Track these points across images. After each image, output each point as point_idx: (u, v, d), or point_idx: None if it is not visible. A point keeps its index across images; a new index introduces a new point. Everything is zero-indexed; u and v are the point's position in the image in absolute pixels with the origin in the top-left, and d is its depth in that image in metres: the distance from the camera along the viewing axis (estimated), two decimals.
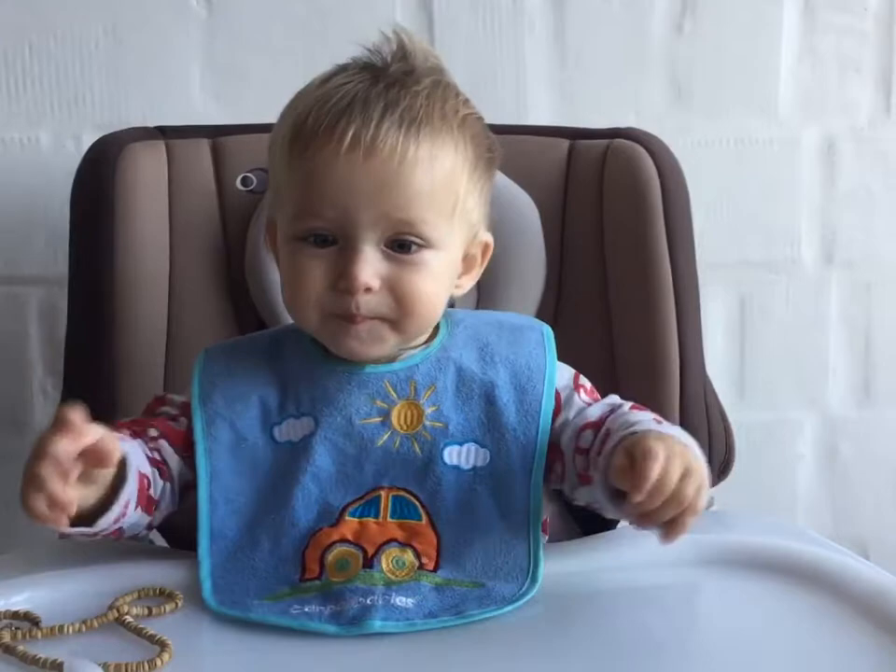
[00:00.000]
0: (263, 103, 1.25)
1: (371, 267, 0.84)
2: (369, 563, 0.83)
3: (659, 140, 1.14)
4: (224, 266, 1.12)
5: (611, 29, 1.32)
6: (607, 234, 1.12)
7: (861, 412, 1.42)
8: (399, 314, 0.85)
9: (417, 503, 0.86)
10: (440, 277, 0.87)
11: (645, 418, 0.87)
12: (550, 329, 0.94)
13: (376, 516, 0.85)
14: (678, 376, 1.07)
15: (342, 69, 0.88)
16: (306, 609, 0.79)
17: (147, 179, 1.10)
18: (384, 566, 0.82)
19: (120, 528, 0.84)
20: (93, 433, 0.75)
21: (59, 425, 0.74)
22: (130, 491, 0.82)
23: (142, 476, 0.84)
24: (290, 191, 0.86)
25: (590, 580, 0.84)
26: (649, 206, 1.09)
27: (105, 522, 0.81)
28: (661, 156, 1.12)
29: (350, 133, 0.82)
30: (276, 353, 0.92)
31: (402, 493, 0.86)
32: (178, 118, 1.20)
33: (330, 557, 0.83)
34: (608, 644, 0.77)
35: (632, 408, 0.91)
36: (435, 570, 0.83)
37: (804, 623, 0.80)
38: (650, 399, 1.04)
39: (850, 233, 1.38)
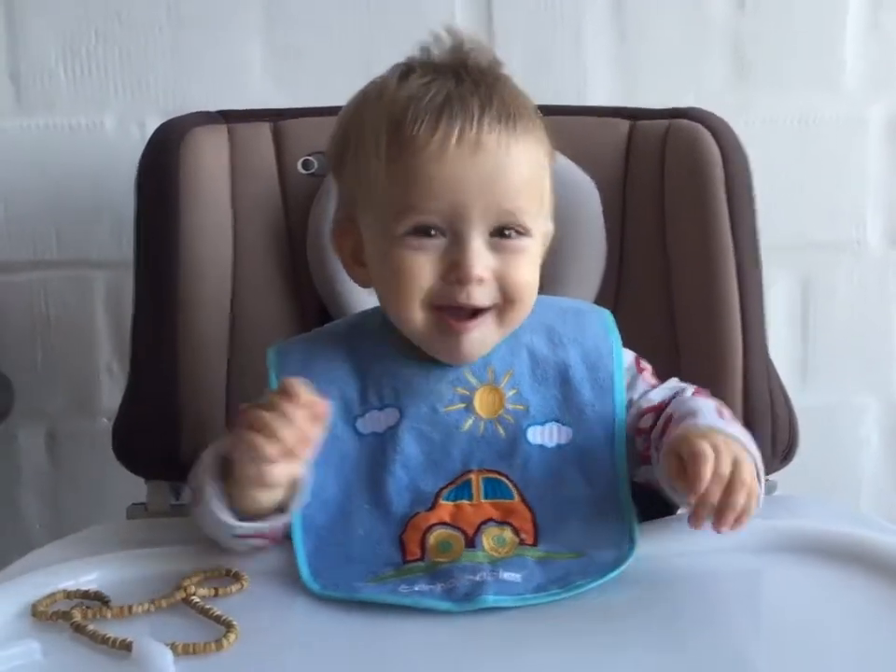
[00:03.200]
0: (323, 86, 1.28)
1: (482, 259, 0.86)
2: (471, 543, 0.85)
3: (721, 119, 1.12)
4: (286, 248, 1.13)
5: (672, 6, 1.30)
6: (668, 215, 1.11)
7: None
8: (503, 302, 0.87)
9: (508, 482, 0.89)
10: (536, 264, 0.90)
11: (707, 407, 0.88)
12: (610, 313, 0.96)
13: (470, 499, 0.88)
14: (740, 360, 1.06)
15: (409, 68, 0.89)
16: (416, 588, 0.81)
17: (209, 164, 1.11)
18: (485, 544, 0.85)
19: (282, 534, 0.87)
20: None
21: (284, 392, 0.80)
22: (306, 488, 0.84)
23: None
24: (390, 189, 0.86)
25: (665, 563, 0.85)
26: (711, 187, 1.08)
27: (281, 520, 0.84)
28: (723, 136, 1.10)
29: (456, 129, 0.84)
30: (351, 346, 0.93)
31: (492, 474, 0.89)
32: (239, 101, 1.20)
33: (432, 539, 0.86)
34: (686, 627, 0.78)
35: (694, 393, 0.93)
36: (535, 545, 0.86)
37: (868, 609, 0.80)
38: (712, 382, 1.04)
39: None
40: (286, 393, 0.80)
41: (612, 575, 0.81)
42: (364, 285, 0.94)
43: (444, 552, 0.85)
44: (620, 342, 0.94)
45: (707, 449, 0.79)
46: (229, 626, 0.76)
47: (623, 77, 1.31)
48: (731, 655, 0.75)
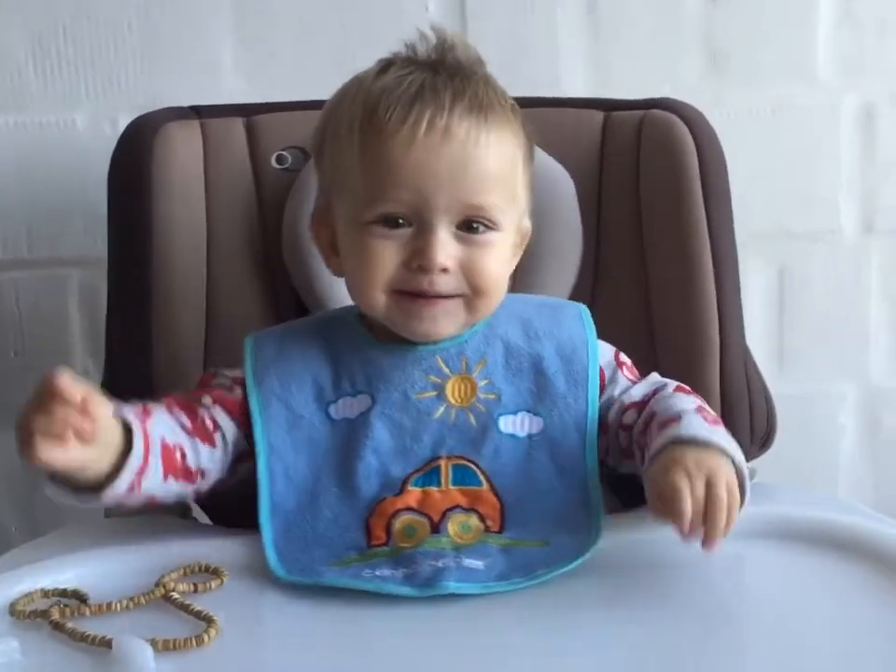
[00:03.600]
0: (295, 81, 1.27)
1: (446, 248, 0.86)
2: (436, 528, 0.86)
3: (695, 109, 1.12)
4: (260, 243, 1.13)
5: None
6: (643, 206, 1.11)
7: None
8: (472, 293, 0.88)
9: (477, 469, 0.89)
10: (504, 258, 0.91)
11: (688, 408, 0.88)
12: (587, 308, 0.97)
13: (438, 485, 0.88)
14: (718, 349, 1.06)
15: (389, 63, 0.90)
16: (378, 573, 0.81)
17: (182, 159, 1.10)
18: (450, 530, 0.86)
19: (150, 496, 0.85)
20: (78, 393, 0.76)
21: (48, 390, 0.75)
22: (135, 462, 0.81)
23: (168, 448, 0.85)
24: (361, 178, 0.88)
25: (639, 552, 0.85)
26: (686, 177, 1.08)
27: (114, 491, 0.81)
28: (697, 125, 1.10)
29: (426, 119, 0.85)
30: (326, 336, 0.94)
31: (461, 461, 0.89)
32: (212, 97, 1.20)
33: (397, 524, 0.86)
34: (656, 615, 0.78)
35: (675, 389, 0.94)
36: (500, 532, 0.86)
37: (848, 594, 0.80)
38: (690, 372, 1.05)
39: (891, 202, 1.36)
40: (47, 388, 0.75)
41: (574, 564, 0.82)
42: (338, 275, 0.95)
43: (409, 537, 0.85)
44: (595, 335, 0.95)
45: (681, 486, 0.78)
46: (209, 622, 0.75)
47: (597, 68, 1.31)
48: (704, 641, 0.75)
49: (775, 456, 1.11)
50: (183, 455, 0.87)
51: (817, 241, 1.36)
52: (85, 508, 0.83)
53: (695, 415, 0.87)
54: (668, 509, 0.79)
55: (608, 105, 1.16)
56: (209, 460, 0.89)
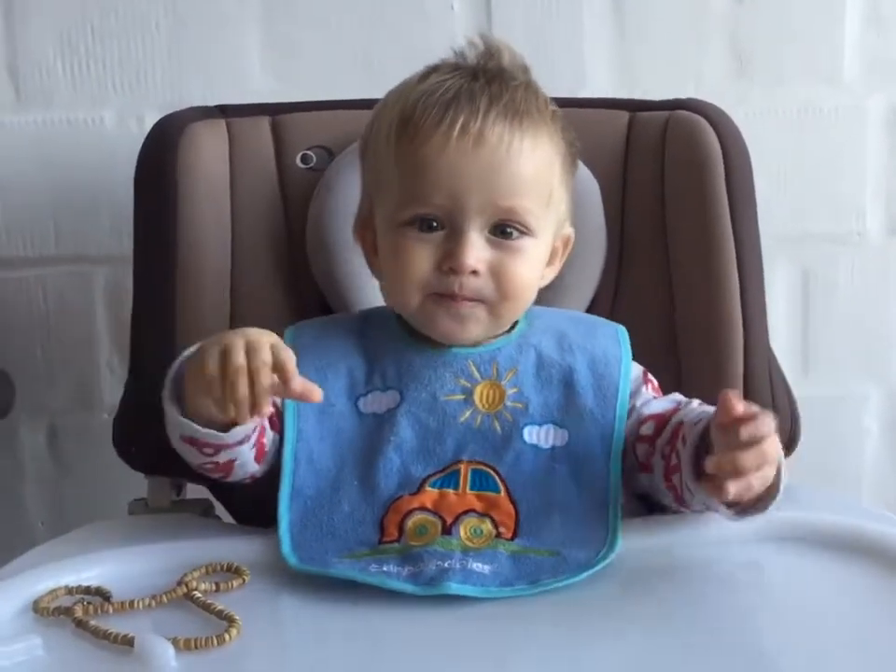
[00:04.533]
0: (321, 80, 1.28)
1: (476, 251, 0.87)
2: (447, 530, 0.86)
3: (720, 110, 1.12)
4: (285, 242, 1.13)
5: None
6: (668, 207, 1.11)
7: None
8: (497, 297, 0.89)
9: (496, 476, 0.89)
10: (536, 265, 0.92)
11: None
12: (624, 328, 0.97)
13: (455, 488, 0.88)
14: (742, 351, 1.06)
15: (434, 68, 0.91)
16: (384, 568, 0.81)
17: (208, 158, 1.10)
18: (462, 533, 0.85)
19: (234, 461, 0.87)
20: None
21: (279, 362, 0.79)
22: (256, 424, 0.85)
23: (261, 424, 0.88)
24: (396, 178, 0.89)
25: (661, 555, 0.85)
26: (711, 178, 1.08)
27: (235, 435, 0.84)
28: (723, 127, 1.10)
29: (459, 123, 0.86)
30: (363, 331, 0.95)
31: (482, 466, 0.89)
32: (238, 96, 1.20)
33: (410, 523, 0.86)
34: (674, 620, 0.77)
35: (701, 404, 0.93)
36: (512, 539, 0.86)
37: (871, 599, 0.80)
38: (713, 374, 1.05)
39: None
40: (280, 366, 0.79)
41: (582, 576, 0.81)
42: (380, 279, 0.96)
43: (420, 535, 0.85)
44: (630, 354, 0.95)
45: (760, 414, 0.77)
46: (231, 621, 0.76)
47: (622, 68, 1.30)
48: (721, 646, 0.75)
49: (798, 459, 1.10)
50: (262, 433, 0.89)
51: (841, 243, 1.35)
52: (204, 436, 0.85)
53: None
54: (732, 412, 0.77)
55: (633, 106, 1.15)
56: (273, 442, 0.91)
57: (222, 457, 0.88)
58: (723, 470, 0.77)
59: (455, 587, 0.79)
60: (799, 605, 0.80)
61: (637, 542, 0.85)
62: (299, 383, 0.79)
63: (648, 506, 0.93)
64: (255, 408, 0.79)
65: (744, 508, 0.82)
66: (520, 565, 0.82)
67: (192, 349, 0.86)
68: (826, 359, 1.38)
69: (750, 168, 1.10)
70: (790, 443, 1.09)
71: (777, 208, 1.25)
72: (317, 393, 0.80)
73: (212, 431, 0.84)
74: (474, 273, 0.87)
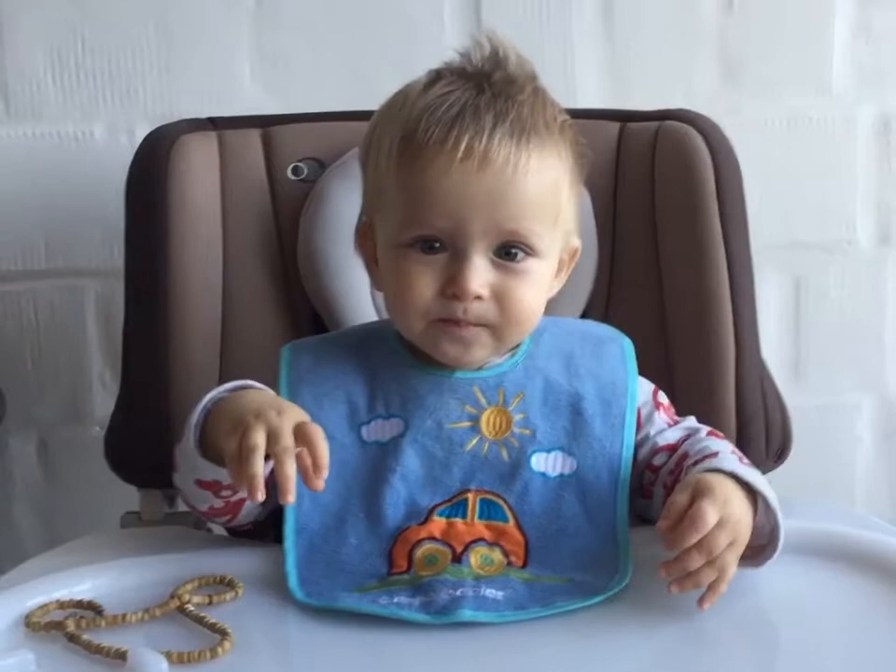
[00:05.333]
0: (311, 92, 1.28)
1: (480, 276, 0.85)
2: (457, 559, 0.84)
3: (710, 120, 1.12)
4: (276, 254, 1.13)
5: (660, 8, 1.30)
6: (659, 217, 1.11)
7: None
8: (502, 321, 0.87)
9: (504, 506, 0.87)
10: (541, 286, 0.89)
11: (723, 447, 0.88)
12: (630, 342, 0.95)
13: (464, 517, 0.86)
14: (733, 361, 1.06)
15: (438, 76, 0.88)
16: (395, 600, 0.79)
17: (199, 170, 1.10)
18: (472, 561, 0.83)
19: (245, 501, 0.86)
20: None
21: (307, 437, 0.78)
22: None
23: None
24: (398, 198, 0.86)
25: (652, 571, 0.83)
26: (701, 188, 1.08)
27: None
28: (713, 137, 1.10)
29: (464, 143, 0.83)
30: (363, 352, 0.93)
31: (490, 496, 0.87)
32: (229, 108, 1.20)
33: (419, 553, 0.84)
34: (671, 635, 0.78)
35: (709, 433, 0.93)
36: (523, 568, 0.84)
37: (864, 608, 0.80)
38: (705, 384, 1.05)
39: None
40: (315, 460, 0.78)
41: (596, 600, 0.80)
42: (380, 289, 0.94)
43: (430, 565, 0.83)
44: (636, 374, 0.93)
45: (706, 520, 0.76)
46: (224, 634, 0.75)
47: (612, 79, 1.31)
48: (717, 656, 0.75)
49: (791, 468, 1.10)
50: None
51: (833, 252, 1.36)
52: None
53: (731, 455, 0.86)
54: (679, 526, 0.77)
55: (623, 117, 1.15)
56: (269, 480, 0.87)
57: (235, 497, 0.87)
58: (674, 574, 0.78)
59: (469, 614, 0.77)
60: (793, 613, 0.80)
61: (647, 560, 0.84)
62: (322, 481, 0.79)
63: (646, 522, 0.92)
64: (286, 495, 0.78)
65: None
66: (534, 590, 0.81)
67: (213, 394, 0.86)
68: (818, 368, 1.38)
69: (740, 177, 1.10)
70: (781, 453, 1.10)
71: (767, 217, 1.25)
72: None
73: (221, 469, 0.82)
74: (478, 297, 0.85)
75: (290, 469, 0.77)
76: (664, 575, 0.78)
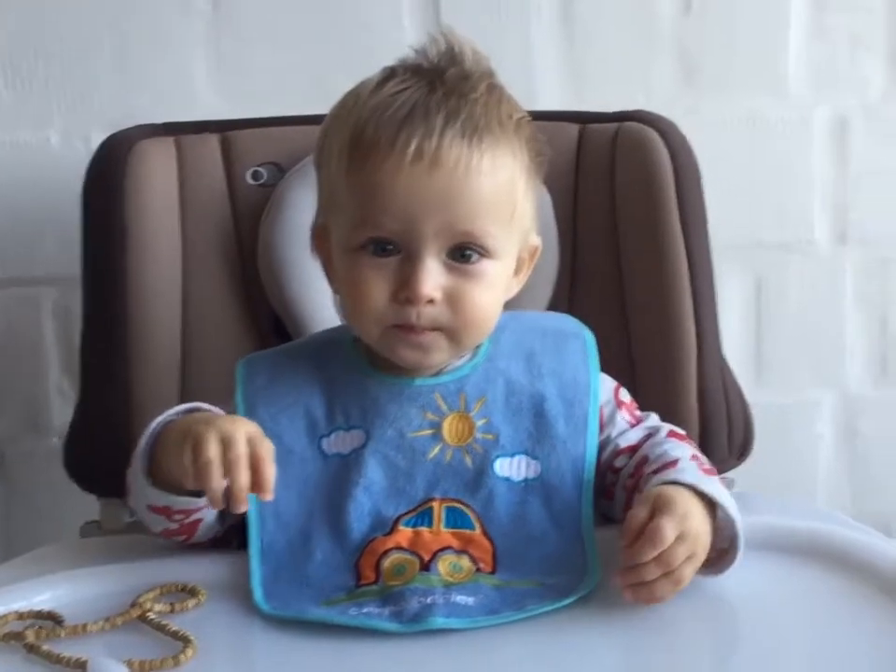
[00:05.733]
0: (270, 96, 1.27)
1: (433, 279, 0.84)
2: (426, 567, 0.83)
3: (669, 122, 1.13)
4: (237, 260, 1.12)
5: (619, 10, 1.31)
6: (619, 217, 1.12)
7: (879, 390, 1.41)
8: (457, 325, 0.86)
9: (470, 513, 0.87)
10: (497, 287, 0.87)
11: (683, 453, 0.88)
12: (591, 335, 0.95)
13: (430, 526, 0.86)
14: (695, 360, 1.07)
15: (391, 73, 0.87)
16: (364, 610, 0.79)
17: (157, 176, 1.10)
18: (441, 569, 0.83)
19: (200, 521, 0.86)
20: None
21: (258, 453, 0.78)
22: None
23: None
24: (349, 200, 0.85)
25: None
26: (661, 189, 1.09)
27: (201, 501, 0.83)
28: (671, 138, 1.11)
29: (414, 144, 0.82)
30: (320, 362, 0.92)
31: (455, 503, 0.87)
32: (185, 114, 1.19)
33: (387, 563, 0.83)
34: (646, 634, 0.77)
35: (669, 434, 0.92)
36: (493, 573, 0.84)
37: (828, 603, 0.80)
38: (667, 383, 1.05)
39: (864, 212, 1.37)
40: (259, 483, 0.78)
41: (568, 601, 0.79)
42: (336, 292, 0.93)
43: (398, 575, 0.82)
44: (598, 370, 0.92)
45: (664, 536, 0.77)
46: (186, 642, 0.75)
47: (571, 80, 1.31)
48: (688, 655, 0.75)
49: (753, 466, 1.11)
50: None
51: (792, 251, 1.37)
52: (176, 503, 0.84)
53: (690, 463, 0.86)
54: (637, 542, 0.77)
55: (583, 118, 1.16)
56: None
57: (190, 519, 0.86)
58: (629, 584, 0.78)
59: (441, 621, 0.76)
60: (757, 609, 0.80)
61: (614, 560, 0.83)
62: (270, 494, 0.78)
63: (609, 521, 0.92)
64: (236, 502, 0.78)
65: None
66: (504, 594, 0.81)
67: (161, 418, 0.85)
68: (778, 366, 1.39)
69: (700, 178, 1.11)
70: (743, 450, 1.10)
71: (727, 218, 1.25)
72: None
73: (186, 498, 0.82)
74: (430, 301, 0.84)
75: (244, 479, 0.77)
76: (618, 582, 0.78)
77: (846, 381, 1.40)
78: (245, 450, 0.78)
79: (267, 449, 0.79)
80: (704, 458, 0.90)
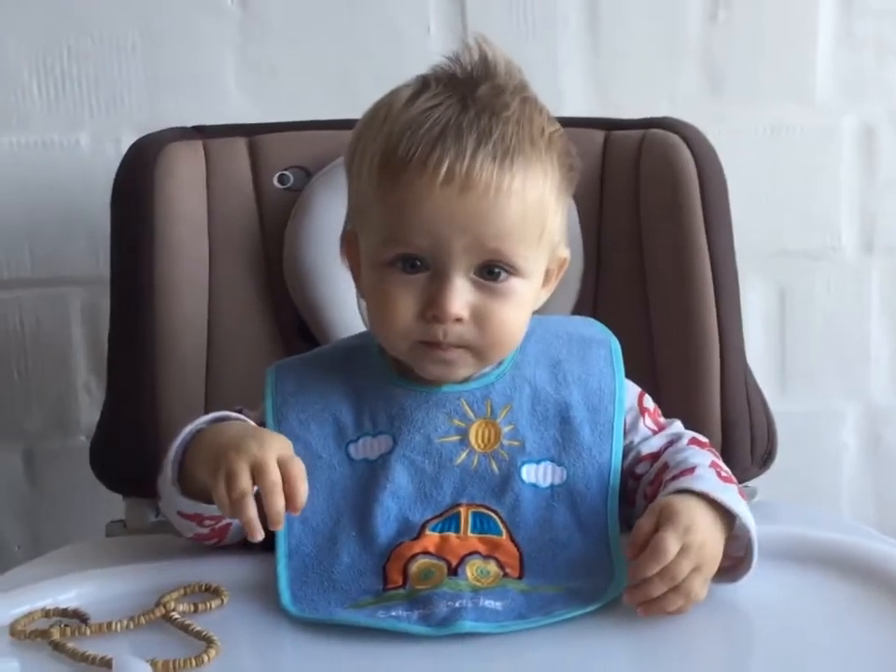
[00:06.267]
0: (298, 100, 1.28)
1: (461, 298, 0.84)
2: (453, 571, 0.83)
3: (695, 129, 1.13)
4: (262, 263, 1.13)
5: (646, 19, 1.31)
6: (644, 225, 1.12)
7: None
8: (483, 343, 0.86)
9: (497, 518, 0.87)
10: (524, 305, 0.88)
11: (703, 462, 0.87)
12: (617, 342, 0.95)
13: (457, 531, 0.86)
14: (718, 368, 1.06)
15: (424, 84, 0.87)
16: (393, 613, 0.79)
17: (185, 179, 1.10)
18: (468, 574, 0.83)
19: (231, 524, 0.87)
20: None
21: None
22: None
23: None
24: (379, 214, 0.86)
25: None
26: (686, 196, 1.09)
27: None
28: (697, 145, 1.11)
29: (445, 166, 0.82)
30: (347, 368, 0.93)
31: (482, 509, 0.87)
32: (214, 117, 1.20)
33: (414, 568, 0.84)
34: (664, 638, 0.78)
35: (691, 441, 0.92)
36: (520, 579, 0.84)
37: (850, 613, 0.80)
38: (690, 391, 1.05)
39: (891, 220, 1.36)
40: (292, 501, 0.79)
41: (596, 606, 0.79)
42: (364, 298, 0.93)
43: (426, 579, 0.83)
44: (623, 378, 0.93)
45: (667, 549, 0.77)
46: (209, 642, 0.75)
47: (597, 87, 1.31)
48: (711, 663, 0.75)
49: (777, 474, 1.11)
50: None
51: (817, 259, 1.36)
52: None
53: (709, 470, 0.86)
54: (641, 556, 0.78)
55: (608, 125, 1.16)
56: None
57: (220, 524, 0.87)
58: (637, 602, 0.78)
59: (469, 625, 0.77)
60: (778, 621, 0.80)
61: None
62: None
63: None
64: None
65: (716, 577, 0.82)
66: (532, 599, 0.81)
67: (191, 427, 0.87)
68: (803, 375, 1.38)
69: (726, 186, 1.11)
70: (766, 459, 1.10)
71: (752, 225, 1.25)
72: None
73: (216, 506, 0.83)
74: (458, 320, 0.84)
75: (279, 504, 0.78)
76: (627, 601, 0.79)
77: (871, 390, 1.39)
78: (278, 477, 0.79)
79: (298, 468, 0.80)
80: (724, 466, 0.89)
